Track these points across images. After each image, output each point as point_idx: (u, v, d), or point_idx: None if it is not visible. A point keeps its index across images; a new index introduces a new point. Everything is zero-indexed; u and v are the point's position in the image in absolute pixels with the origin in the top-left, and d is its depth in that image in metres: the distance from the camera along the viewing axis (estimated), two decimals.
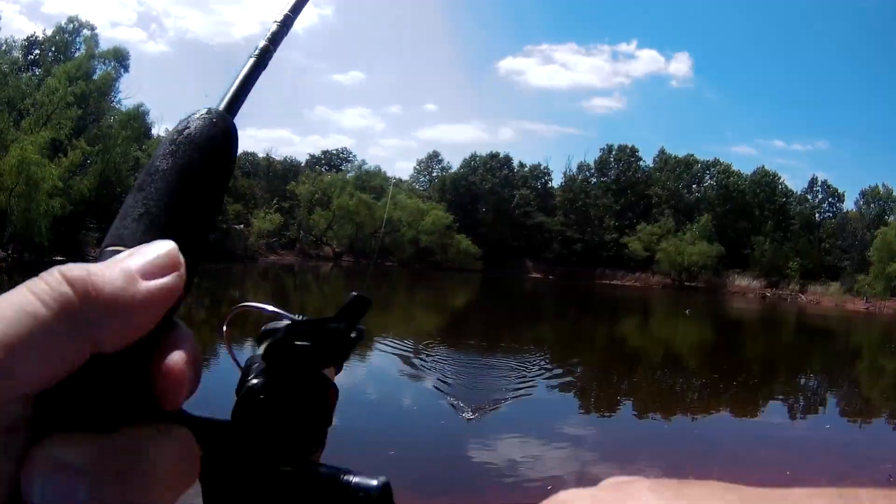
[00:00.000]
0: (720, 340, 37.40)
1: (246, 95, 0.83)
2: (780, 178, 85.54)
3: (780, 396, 21.63)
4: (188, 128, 0.69)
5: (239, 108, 0.82)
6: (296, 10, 0.86)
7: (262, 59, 0.82)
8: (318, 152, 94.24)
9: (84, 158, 41.45)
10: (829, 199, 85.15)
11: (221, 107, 0.78)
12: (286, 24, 0.84)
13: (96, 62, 48.36)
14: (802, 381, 26.24)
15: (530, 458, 11.98)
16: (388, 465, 10.48)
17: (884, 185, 76.09)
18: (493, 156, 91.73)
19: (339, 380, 0.68)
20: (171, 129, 0.82)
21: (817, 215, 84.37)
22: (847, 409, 20.51)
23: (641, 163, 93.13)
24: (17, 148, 36.69)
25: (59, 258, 36.09)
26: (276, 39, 0.83)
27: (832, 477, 12.50)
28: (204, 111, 0.73)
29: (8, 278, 33.36)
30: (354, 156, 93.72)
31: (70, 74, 42.33)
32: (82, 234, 40.84)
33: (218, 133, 0.70)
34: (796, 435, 16.59)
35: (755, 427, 17.05)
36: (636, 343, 34.36)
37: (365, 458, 10.88)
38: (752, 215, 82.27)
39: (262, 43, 0.81)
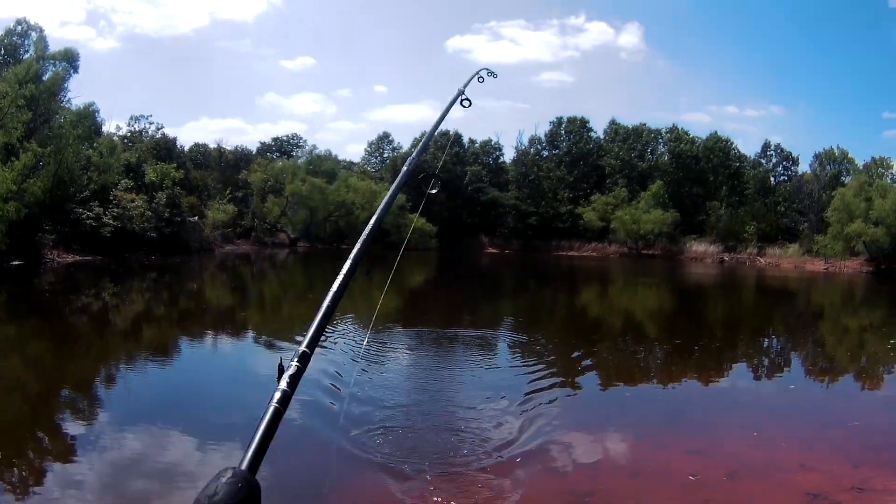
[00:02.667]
0: (681, 306, 37.71)
1: (266, 450, 0.87)
2: (733, 143, 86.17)
3: (744, 359, 21.83)
4: (216, 494, 0.71)
5: (260, 463, 0.86)
6: None
7: (276, 417, 0.87)
8: (269, 140, 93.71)
9: (36, 160, 40.94)
10: (784, 163, 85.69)
11: (244, 465, 0.81)
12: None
13: (46, 63, 47.92)
14: (766, 342, 26.47)
15: (491, 426, 12.04)
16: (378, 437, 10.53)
17: (838, 147, 76.66)
18: (444, 133, 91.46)
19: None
20: (200, 493, 0.82)
21: (772, 179, 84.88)
22: (812, 369, 20.64)
23: (592, 134, 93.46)
24: None
25: (16, 262, 35.72)
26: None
27: (799, 435, 12.70)
28: (229, 474, 0.75)
29: None
30: (305, 141, 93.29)
31: (19, 77, 41.81)
32: (39, 237, 40.42)
33: (244, 497, 0.72)
34: (762, 397, 16.72)
35: (720, 391, 17.17)
36: (596, 313, 34.53)
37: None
38: (706, 181, 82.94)
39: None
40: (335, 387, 14.48)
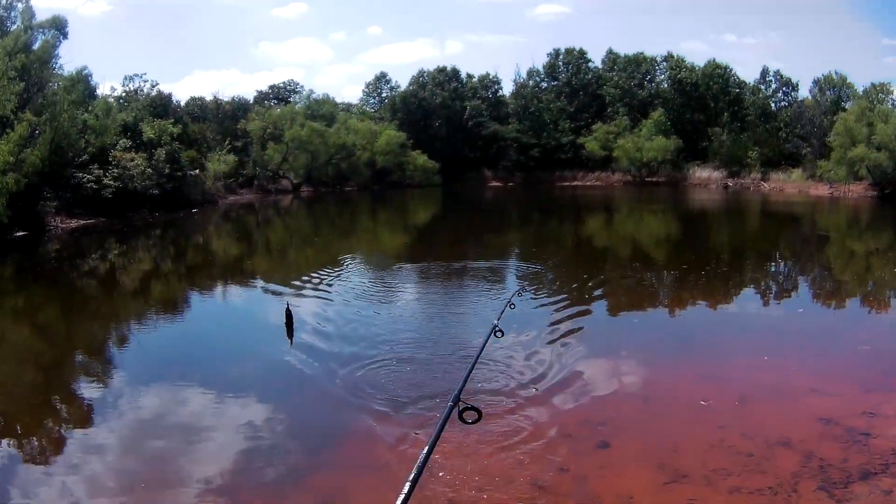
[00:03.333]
0: (687, 232, 37.64)
1: None
2: (732, 70, 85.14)
3: (752, 284, 21.81)
4: None
5: None
6: None
7: None
8: (265, 88, 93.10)
9: (32, 130, 40.67)
10: (784, 89, 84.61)
11: None
12: None
13: (35, 33, 47.49)
14: (772, 267, 26.44)
15: (508, 356, 12.10)
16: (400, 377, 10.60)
17: (836, 72, 75.66)
18: (441, 70, 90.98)
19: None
20: None
21: (773, 105, 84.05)
22: (819, 293, 20.63)
23: (591, 64, 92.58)
24: None
25: (20, 233, 35.71)
26: None
27: (809, 359, 12.73)
28: None
29: None
30: (302, 87, 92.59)
31: (8, 49, 41.43)
32: (41, 206, 40.29)
33: None
34: (770, 321, 16.72)
35: (729, 315, 17.21)
36: (603, 241, 34.57)
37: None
38: (706, 107, 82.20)
39: None
40: (350, 328, 14.58)
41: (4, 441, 9.51)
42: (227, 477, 8.22)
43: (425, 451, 3.06)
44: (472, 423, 3.58)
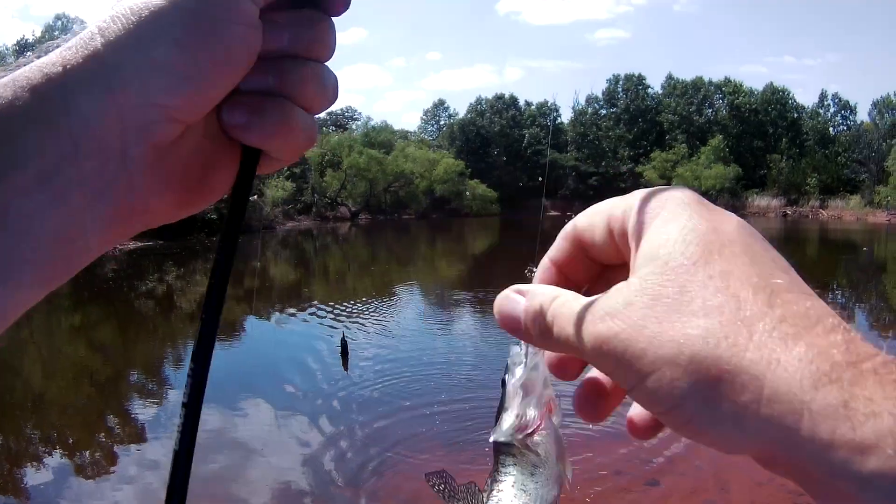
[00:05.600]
0: None
1: None
2: (790, 93, 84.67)
3: None
4: None
5: None
6: None
7: None
8: (323, 115, 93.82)
9: None
10: (842, 112, 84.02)
11: None
12: None
13: None
14: (829, 295, 25.86)
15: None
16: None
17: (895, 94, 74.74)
18: (499, 97, 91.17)
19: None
20: None
21: (831, 129, 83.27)
22: (877, 323, 20.08)
23: (650, 90, 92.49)
24: None
25: None
26: None
27: None
28: None
29: None
30: (360, 114, 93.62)
31: None
32: None
33: None
34: None
35: None
36: None
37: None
38: (765, 134, 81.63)
39: None
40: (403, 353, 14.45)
41: (58, 453, 9.63)
42: (277, 499, 8.18)
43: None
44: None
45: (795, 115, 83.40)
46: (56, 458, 9.60)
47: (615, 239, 0.71)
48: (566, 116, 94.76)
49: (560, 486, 0.94)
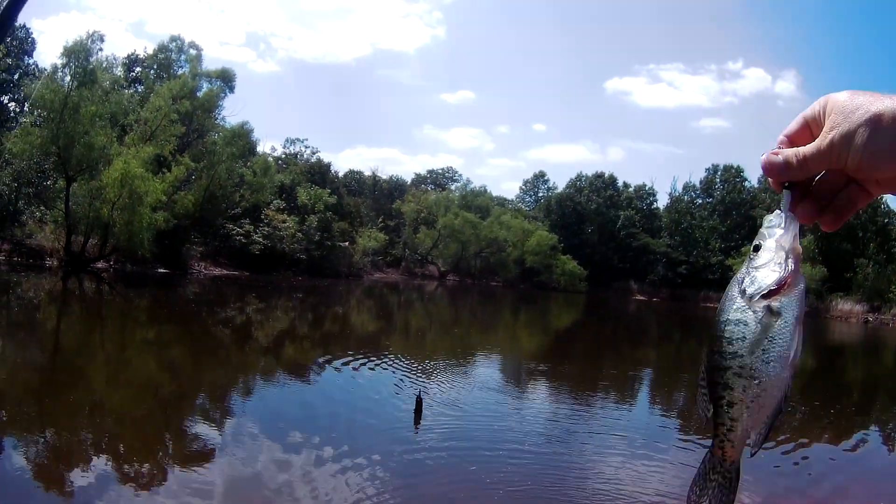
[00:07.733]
0: (821, 366, 36.34)
1: None
2: (882, 197, 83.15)
3: (877, 425, 20.70)
4: None
5: None
6: None
7: None
8: (424, 171, 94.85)
9: (188, 174, 42.25)
10: None
11: None
12: None
13: (201, 80, 49.56)
14: None
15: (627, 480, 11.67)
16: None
17: None
18: (599, 175, 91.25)
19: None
20: None
21: None
22: None
23: (747, 183, 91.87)
24: (120, 161, 37.53)
25: (162, 270, 36.77)
26: None
27: None
28: None
29: (110, 288, 34.08)
30: (460, 175, 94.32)
31: (174, 92, 43.29)
32: (186, 248, 41.59)
33: None
34: (894, 467, 15.80)
35: (849, 455, 16.30)
36: None
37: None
38: (855, 237, 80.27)
39: None
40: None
41: (107, 460, 9.71)
42: None
43: None
44: None
45: (886, 221, 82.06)
46: (102, 464, 9.67)
47: (823, 110, 1.35)
48: (662, 201, 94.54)
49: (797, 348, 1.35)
